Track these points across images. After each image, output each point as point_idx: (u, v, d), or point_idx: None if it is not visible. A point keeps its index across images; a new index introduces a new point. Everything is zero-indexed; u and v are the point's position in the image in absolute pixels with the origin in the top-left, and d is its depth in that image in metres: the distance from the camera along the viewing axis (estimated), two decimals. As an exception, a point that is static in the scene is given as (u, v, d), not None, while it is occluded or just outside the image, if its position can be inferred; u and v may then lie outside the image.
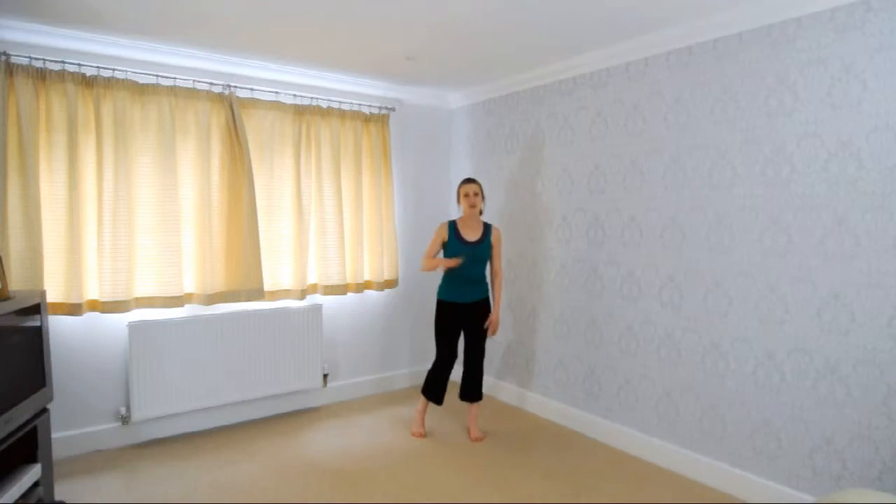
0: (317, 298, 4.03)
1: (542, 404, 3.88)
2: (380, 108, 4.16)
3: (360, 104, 4.07)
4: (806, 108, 2.51)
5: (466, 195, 3.42)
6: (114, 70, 3.15)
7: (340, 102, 4.00)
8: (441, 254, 3.49)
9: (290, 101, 3.80)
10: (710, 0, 2.57)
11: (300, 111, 3.79)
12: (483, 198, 3.48)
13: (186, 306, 3.48)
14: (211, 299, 3.45)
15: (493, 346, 4.30)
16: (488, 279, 3.57)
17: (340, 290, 3.98)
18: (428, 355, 4.59)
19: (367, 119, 4.10)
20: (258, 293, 3.58)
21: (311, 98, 3.85)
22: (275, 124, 3.70)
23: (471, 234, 3.45)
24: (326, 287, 3.94)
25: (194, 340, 3.45)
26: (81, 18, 2.83)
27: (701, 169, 2.92)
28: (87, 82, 3.06)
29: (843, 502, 1.63)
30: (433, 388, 3.51)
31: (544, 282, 3.86)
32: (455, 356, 3.52)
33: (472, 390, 3.52)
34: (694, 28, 2.85)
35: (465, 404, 3.76)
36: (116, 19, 2.84)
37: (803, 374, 2.55)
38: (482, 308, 3.48)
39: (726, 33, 2.77)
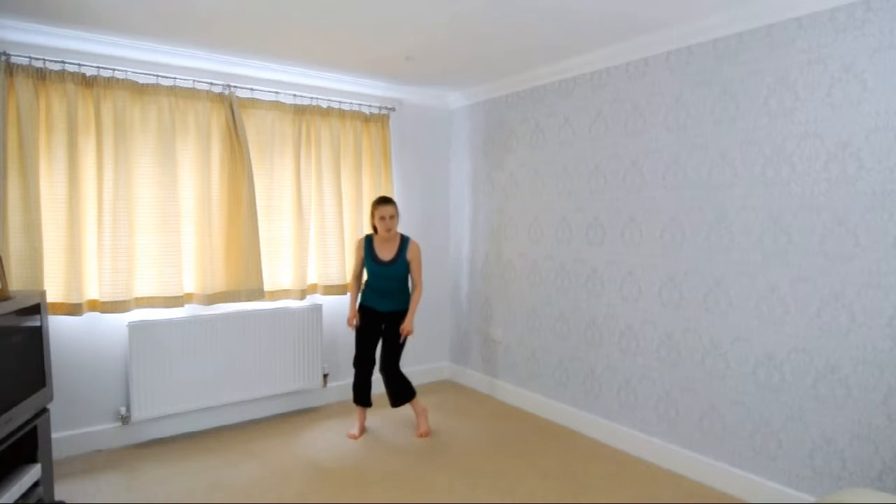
0: (317, 298, 4.03)
1: (542, 404, 3.88)
2: (380, 108, 4.16)
3: (360, 104, 4.08)
4: (806, 108, 2.51)
5: (382, 218, 3.36)
6: (114, 70, 3.15)
7: (340, 102, 4.00)
8: (364, 269, 3.52)
9: (290, 101, 3.80)
10: (709, 0, 2.57)
11: (300, 111, 3.79)
12: (398, 217, 3.45)
13: (186, 306, 3.48)
14: (211, 299, 3.45)
15: (493, 346, 4.31)
16: (410, 291, 3.56)
17: (340, 290, 3.98)
18: (427, 355, 4.60)
19: (367, 119, 4.10)
20: (258, 293, 3.58)
21: (311, 98, 3.85)
22: (275, 124, 3.71)
23: (386, 253, 3.43)
24: (326, 287, 3.94)
25: (194, 340, 3.45)
26: (81, 18, 2.83)
27: (701, 169, 2.92)
28: (87, 82, 3.06)
29: (843, 502, 1.63)
30: (357, 395, 3.53)
31: (544, 281, 3.86)
32: (372, 361, 3.53)
33: (395, 397, 3.54)
34: (694, 28, 2.85)
35: (463, 405, 3.76)
36: (116, 19, 2.84)
37: (803, 374, 2.55)
38: (398, 318, 3.47)
39: (726, 33, 2.77)
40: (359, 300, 3.55)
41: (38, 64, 2.94)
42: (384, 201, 3.42)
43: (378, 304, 3.47)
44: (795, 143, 2.54)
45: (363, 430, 3.55)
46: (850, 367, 2.40)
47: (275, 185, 3.73)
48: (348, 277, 4.01)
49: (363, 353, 3.50)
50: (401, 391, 3.53)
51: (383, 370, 3.53)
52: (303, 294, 3.81)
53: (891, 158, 2.26)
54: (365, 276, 3.56)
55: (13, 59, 2.87)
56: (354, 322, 3.47)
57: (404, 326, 3.44)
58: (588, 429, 3.55)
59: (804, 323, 2.54)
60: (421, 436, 3.49)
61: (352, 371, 3.77)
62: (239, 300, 3.55)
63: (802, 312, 2.54)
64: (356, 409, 3.61)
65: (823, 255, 2.47)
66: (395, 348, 3.50)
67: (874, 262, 2.31)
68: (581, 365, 3.62)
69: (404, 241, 3.48)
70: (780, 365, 2.63)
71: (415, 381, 4.48)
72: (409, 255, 3.46)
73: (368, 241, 3.47)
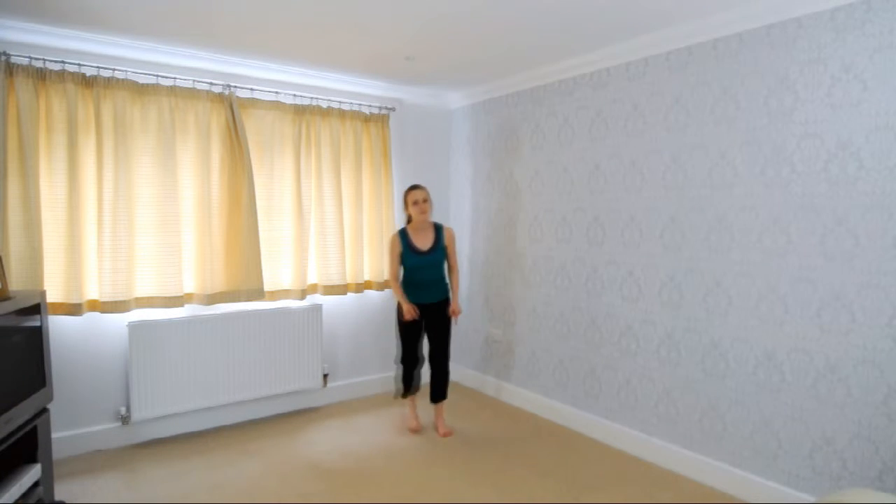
0: (317, 298, 4.03)
1: (542, 404, 3.88)
2: (380, 108, 4.16)
3: (360, 104, 4.07)
4: (806, 108, 2.51)
5: (416, 202, 3.38)
6: (114, 70, 3.15)
7: (340, 102, 4.00)
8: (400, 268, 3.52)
9: (290, 101, 3.80)
10: (710, 0, 2.57)
11: (300, 111, 3.79)
12: (431, 202, 3.47)
13: (186, 306, 3.48)
14: (211, 299, 3.45)
15: (493, 346, 4.31)
16: (447, 279, 3.60)
17: (340, 290, 3.98)
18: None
19: (367, 119, 4.10)
20: (258, 293, 3.58)
21: (311, 98, 3.85)
22: (275, 124, 3.70)
23: (424, 242, 3.44)
24: (326, 287, 3.94)
25: (194, 340, 3.45)
26: (81, 18, 2.83)
27: (701, 169, 2.92)
28: (87, 82, 3.06)
29: (843, 502, 1.63)
30: (406, 386, 3.60)
31: (544, 281, 3.86)
32: (421, 357, 3.57)
33: (441, 392, 3.57)
34: (694, 28, 2.85)
35: (463, 405, 3.77)
36: (116, 19, 2.84)
37: (803, 374, 2.55)
38: (443, 307, 3.50)
39: (726, 33, 2.77)
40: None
41: (38, 64, 2.94)
42: (416, 186, 3.46)
43: (422, 297, 3.45)
44: (795, 143, 2.54)
45: (418, 419, 3.61)
46: (850, 367, 2.40)
47: (275, 185, 3.73)
48: (354, 274, 4.03)
49: (412, 349, 3.53)
50: (444, 387, 3.57)
51: (438, 363, 3.52)
52: (303, 294, 3.81)
53: (891, 158, 2.26)
54: (401, 274, 3.54)
55: (13, 59, 2.87)
56: (413, 313, 3.37)
57: (453, 308, 3.48)
58: (588, 429, 3.55)
59: (804, 323, 2.54)
60: (445, 435, 3.50)
61: (353, 369, 3.80)
62: (239, 300, 3.55)
63: (802, 312, 2.54)
64: (407, 404, 3.66)
65: (823, 255, 2.47)
66: (444, 338, 3.52)
67: (874, 262, 2.31)
68: (581, 365, 3.62)
69: (438, 227, 3.50)
70: (780, 365, 2.63)
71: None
72: (447, 239, 3.50)
73: (403, 234, 3.47)
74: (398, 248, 3.45)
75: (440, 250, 3.46)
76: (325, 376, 4.03)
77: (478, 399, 4.24)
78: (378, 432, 3.57)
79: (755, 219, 2.70)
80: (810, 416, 2.53)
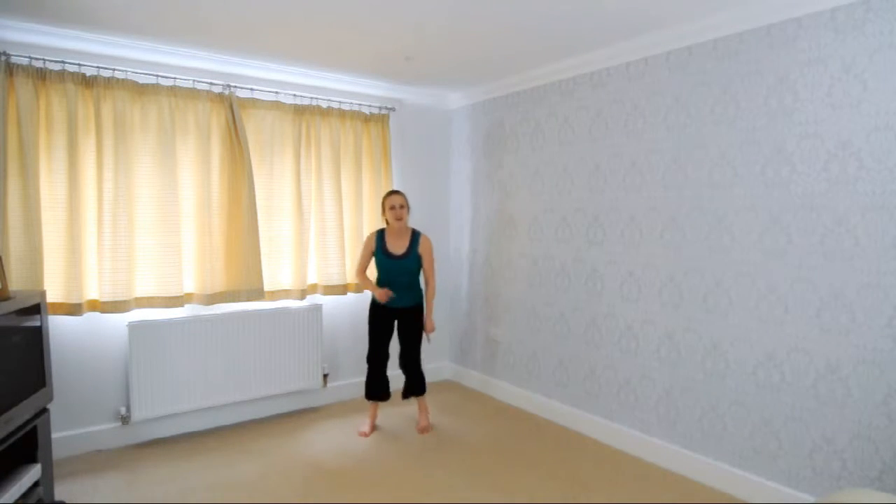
0: (317, 298, 4.03)
1: (542, 404, 3.88)
2: (380, 108, 4.16)
3: (360, 104, 4.07)
4: (806, 108, 2.51)
5: (392, 207, 3.41)
6: (114, 70, 3.15)
7: (340, 102, 4.00)
8: (372, 263, 3.56)
9: (290, 101, 3.79)
10: (710, 0, 2.57)
11: (300, 111, 3.79)
12: (408, 209, 3.48)
13: (186, 306, 3.48)
14: (211, 299, 3.45)
15: (494, 346, 4.31)
16: (422, 285, 3.60)
17: (340, 290, 3.98)
18: (428, 355, 4.58)
19: (367, 119, 4.10)
20: (258, 293, 3.58)
21: (311, 98, 3.85)
22: (275, 124, 3.70)
23: (397, 247, 3.46)
24: (326, 287, 3.94)
25: (194, 340, 3.45)
26: (81, 18, 2.83)
27: (701, 169, 2.92)
28: (87, 82, 3.06)
29: (843, 502, 1.63)
30: (371, 389, 3.56)
31: (544, 281, 3.86)
32: (386, 356, 3.57)
33: (411, 389, 3.61)
34: (694, 28, 2.85)
35: (463, 405, 3.78)
36: (116, 19, 2.84)
37: (803, 374, 2.55)
38: (412, 313, 3.50)
39: (726, 33, 2.77)
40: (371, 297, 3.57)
41: (38, 64, 2.94)
42: (394, 191, 3.49)
43: (393, 301, 3.46)
44: (795, 143, 2.54)
45: (374, 427, 3.58)
46: (850, 367, 2.40)
47: (275, 185, 3.73)
48: (352, 274, 4.01)
49: (377, 349, 3.53)
50: (417, 385, 3.59)
51: (405, 367, 3.57)
52: (303, 294, 3.81)
53: (891, 158, 2.26)
54: (375, 275, 3.56)
55: (13, 59, 2.87)
56: (386, 297, 3.39)
57: (426, 326, 3.49)
58: (588, 429, 3.55)
59: (804, 323, 2.54)
60: (421, 430, 3.53)
61: (353, 369, 3.79)
62: (239, 300, 3.55)
63: (802, 312, 2.54)
64: (367, 407, 3.63)
65: (823, 255, 2.47)
66: (413, 344, 3.54)
67: (874, 262, 2.31)
68: (581, 365, 3.62)
69: (416, 235, 3.51)
70: (780, 365, 2.63)
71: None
72: (421, 248, 3.48)
73: (381, 235, 3.50)
74: (371, 247, 3.50)
75: (413, 257, 3.46)
76: (325, 376, 4.03)
77: (478, 399, 4.24)
78: (378, 432, 3.57)
79: (755, 219, 2.70)
80: (810, 416, 2.53)
